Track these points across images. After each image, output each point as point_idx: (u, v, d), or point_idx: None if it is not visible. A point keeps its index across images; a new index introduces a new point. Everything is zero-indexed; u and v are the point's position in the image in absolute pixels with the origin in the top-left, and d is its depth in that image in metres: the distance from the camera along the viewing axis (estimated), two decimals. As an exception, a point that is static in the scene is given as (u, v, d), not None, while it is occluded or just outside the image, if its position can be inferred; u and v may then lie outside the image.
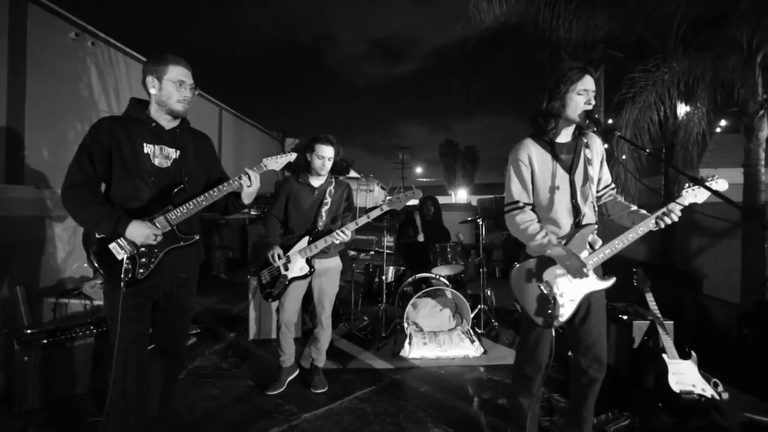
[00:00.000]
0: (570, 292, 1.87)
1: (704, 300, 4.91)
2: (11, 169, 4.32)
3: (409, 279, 3.85)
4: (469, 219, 4.29)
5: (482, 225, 4.05)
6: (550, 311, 1.84)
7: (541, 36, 5.75)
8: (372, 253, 4.18)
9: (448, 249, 3.97)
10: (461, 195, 30.26)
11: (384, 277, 3.90)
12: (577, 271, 1.78)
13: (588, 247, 1.89)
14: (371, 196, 9.76)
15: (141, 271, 1.76)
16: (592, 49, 6.95)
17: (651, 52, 5.19)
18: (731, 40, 4.18)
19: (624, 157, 5.13)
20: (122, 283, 1.70)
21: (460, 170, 31.00)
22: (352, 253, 4.38)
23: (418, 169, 40.18)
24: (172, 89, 1.78)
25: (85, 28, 5.11)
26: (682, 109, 5.10)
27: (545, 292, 1.86)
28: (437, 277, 3.80)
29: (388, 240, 6.47)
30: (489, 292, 4.27)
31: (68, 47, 4.92)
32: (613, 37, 5.71)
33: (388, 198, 2.65)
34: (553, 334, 1.87)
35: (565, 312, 1.86)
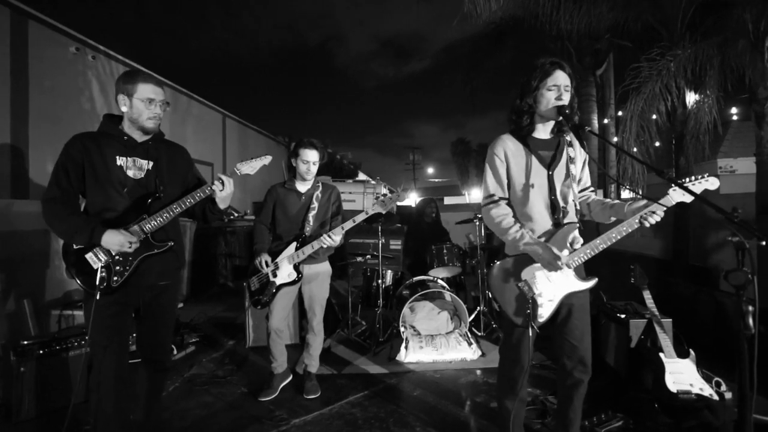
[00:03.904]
0: (549, 291, 1.82)
1: (721, 297, 4.70)
2: (16, 184, 4.45)
3: (407, 282, 3.81)
4: (466, 220, 4.20)
5: (479, 225, 3.96)
6: (528, 311, 1.79)
7: (541, 28, 5.62)
8: (368, 257, 4.14)
9: (445, 251, 3.90)
10: (475, 194, 29.92)
11: (381, 281, 3.85)
12: (549, 262, 1.73)
13: (569, 246, 1.83)
14: (378, 199, 9.74)
15: (116, 279, 1.80)
16: (597, 39, 6.76)
17: (658, 40, 5.00)
18: (738, 23, 4.00)
19: (635, 149, 4.97)
20: (97, 292, 1.75)
21: (473, 169, 30.47)
22: (360, 259, 4.34)
23: (430, 170, 39.91)
24: (142, 107, 1.82)
25: (86, 42, 5.22)
26: (691, 98, 4.89)
27: (524, 291, 1.81)
28: (435, 279, 3.75)
29: (394, 243, 6.45)
30: (491, 294, 4.17)
31: (69, 62, 5.03)
32: (619, 26, 5.52)
33: (373, 202, 2.64)
34: (530, 333, 1.81)
35: (544, 312, 1.81)
